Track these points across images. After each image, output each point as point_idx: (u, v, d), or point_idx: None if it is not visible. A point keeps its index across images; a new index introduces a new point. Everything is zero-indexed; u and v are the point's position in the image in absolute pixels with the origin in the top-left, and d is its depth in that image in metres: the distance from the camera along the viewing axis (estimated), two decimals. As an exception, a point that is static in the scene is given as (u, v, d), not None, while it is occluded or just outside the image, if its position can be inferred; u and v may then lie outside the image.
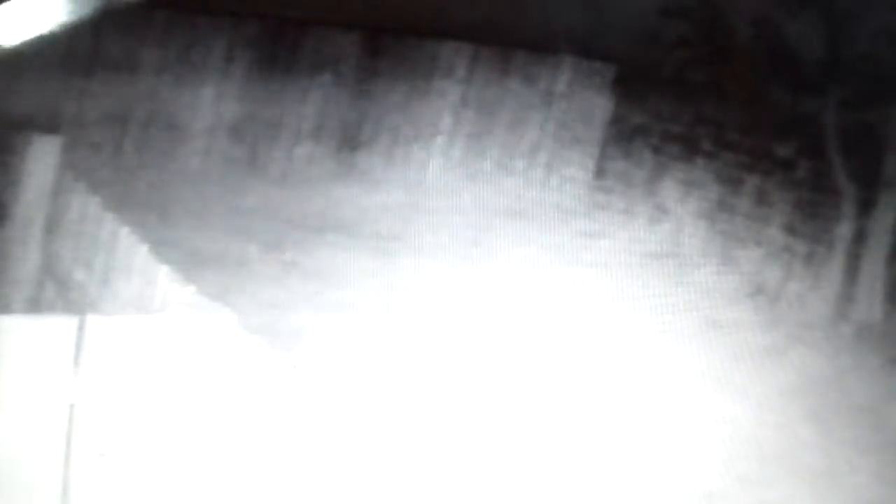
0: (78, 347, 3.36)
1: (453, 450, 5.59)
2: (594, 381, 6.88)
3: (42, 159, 5.32)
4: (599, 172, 10.46)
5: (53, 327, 3.38)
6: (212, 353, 3.47)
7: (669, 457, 6.12)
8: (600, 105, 10.47)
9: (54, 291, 4.93)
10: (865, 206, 8.39)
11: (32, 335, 3.36)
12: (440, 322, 7.29)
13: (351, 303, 7.30)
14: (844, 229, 8.51)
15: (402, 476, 3.13)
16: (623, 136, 10.32)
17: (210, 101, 9.11)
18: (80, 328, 3.36)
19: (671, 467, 6.00)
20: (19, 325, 3.41)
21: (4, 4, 4.48)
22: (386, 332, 6.99)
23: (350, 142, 9.65)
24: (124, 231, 4.37)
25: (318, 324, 6.81)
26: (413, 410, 6.00)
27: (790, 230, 8.99)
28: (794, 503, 5.90)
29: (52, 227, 5.09)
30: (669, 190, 9.73)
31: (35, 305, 5.05)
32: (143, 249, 4.14)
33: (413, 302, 7.52)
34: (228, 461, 3.43)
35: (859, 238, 8.44)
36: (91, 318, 3.37)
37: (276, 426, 3.41)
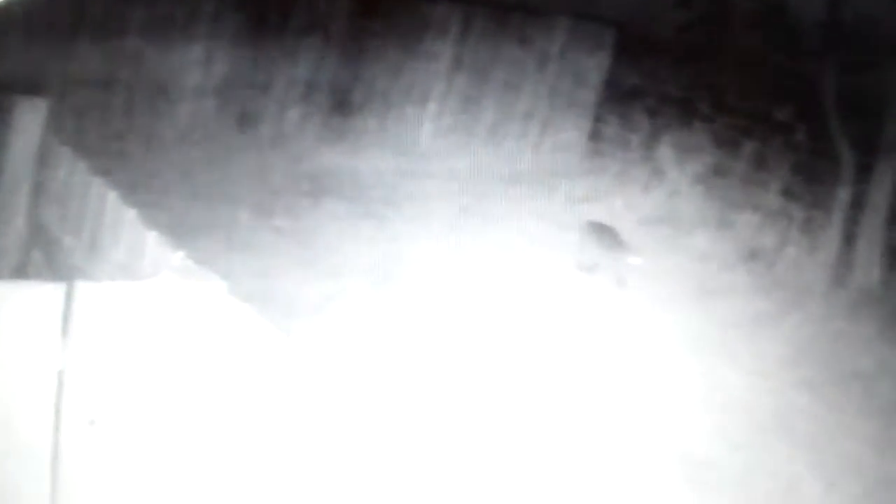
0: (66, 314, 3.30)
1: (445, 415, 5.57)
2: (587, 346, 6.86)
3: (27, 123, 5.25)
4: (594, 136, 10.39)
5: (41, 294, 3.31)
6: (202, 320, 3.41)
7: (663, 423, 6.10)
8: (596, 67, 10.38)
9: (42, 258, 4.86)
10: (864, 171, 8.34)
11: (20, 302, 3.29)
12: (433, 288, 7.25)
13: (343, 268, 7.25)
14: (843, 194, 8.46)
15: (392, 441, 3.09)
16: (618, 99, 10.24)
17: (198, 64, 8.99)
18: (69, 294, 3.29)
19: (665, 434, 5.99)
20: (6, 292, 3.34)
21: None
22: (378, 298, 6.94)
23: (341, 105, 9.55)
24: (112, 196, 4.29)
25: (309, 290, 6.76)
26: (405, 375, 5.97)
27: (788, 195, 8.95)
28: (786, 469, 5.89)
29: (38, 192, 5.02)
30: (665, 154, 9.67)
31: (22, 272, 4.98)
32: (131, 215, 4.07)
33: (406, 267, 7.47)
34: (218, 427, 3.38)
35: (857, 203, 8.40)
36: (79, 285, 3.29)
37: (267, 392, 3.37)
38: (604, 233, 7.87)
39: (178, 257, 3.83)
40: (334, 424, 3.17)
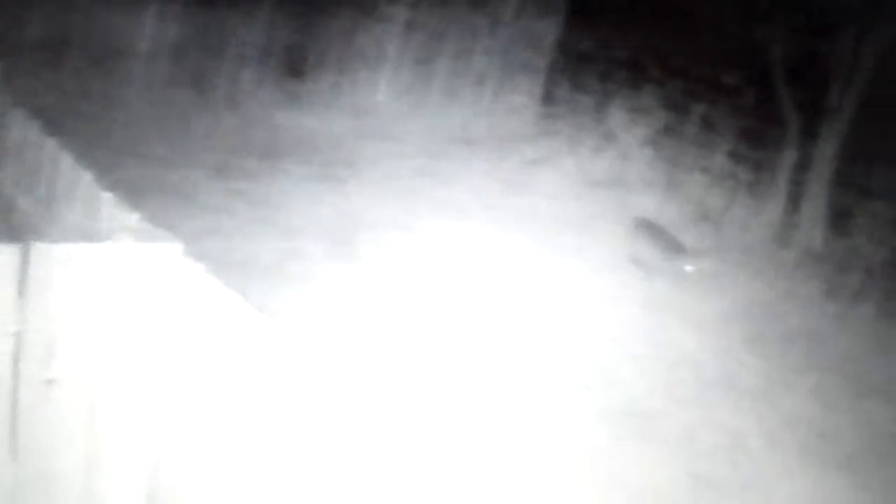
0: (22, 274, 3.30)
1: (399, 374, 5.63)
2: (538, 304, 6.95)
3: (-20, 84, 5.19)
4: (547, 99, 10.46)
5: (-3, 255, 3.31)
6: (158, 280, 3.44)
7: (612, 378, 6.21)
8: (548, 31, 10.42)
9: (-4, 218, 4.85)
10: (809, 135, 8.48)
11: (-25, 263, 3.30)
12: (388, 247, 7.30)
13: (298, 229, 7.27)
14: (788, 157, 8.60)
15: (345, 396, 3.16)
16: (570, 63, 10.29)
17: (151, 26, 8.91)
18: (24, 255, 3.30)
19: (613, 388, 6.09)
20: (-39, 254, 3.34)
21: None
22: (334, 259, 6.98)
23: (295, 67, 9.52)
24: (66, 157, 4.29)
25: (265, 251, 6.78)
26: (361, 334, 6.02)
27: (735, 157, 9.09)
28: (732, 424, 6.02)
29: (-8, 153, 4.99)
30: (616, 117, 9.76)
31: (-23, 233, 4.96)
32: (87, 176, 4.07)
33: (361, 228, 7.50)
34: (176, 384, 3.43)
35: (802, 166, 8.54)
36: (35, 246, 3.31)
37: (224, 351, 3.42)
38: (659, 235, 7.84)
39: (133, 219, 3.83)
40: (291, 383, 3.24)
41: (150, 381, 3.49)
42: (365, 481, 3.06)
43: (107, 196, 3.90)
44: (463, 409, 5.53)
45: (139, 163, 7.53)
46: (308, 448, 3.19)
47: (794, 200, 8.56)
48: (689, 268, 7.37)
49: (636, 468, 5.40)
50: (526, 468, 5.13)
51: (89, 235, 3.89)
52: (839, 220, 8.37)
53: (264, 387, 3.30)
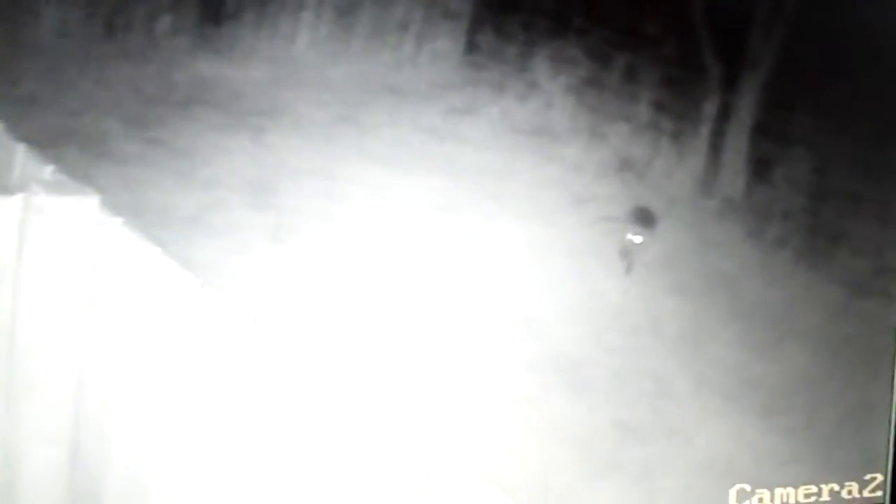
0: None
1: (322, 323, 5.61)
2: (463, 254, 6.95)
3: None
4: (470, 47, 10.38)
5: None
6: (75, 234, 3.35)
7: (539, 327, 6.25)
8: (471, -22, 10.33)
9: None
10: (730, 84, 8.56)
11: None
12: (311, 199, 7.23)
13: (218, 179, 7.16)
14: (709, 106, 8.68)
15: (268, 347, 3.12)
16: (494, 11, 10.23)
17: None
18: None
19: (541, 337, 6.15)
20: None
21: None
22: (256, 209, 6.90)
23: (213, 14, 9.30)
24: (-24, 107, 4.12)
25: (184, 201, 6.67)
26: (285, 287, 5.97)
27: (658, 106, 9.15)
28: (659, 369, 6.13)
29: None
30: (540, 66, 9.74)
31: None
32: (-1, 127, 3.93)
33: (282, 178, 7.42)
34: (95, 340, 3.36)
35: (724, 115, 8.63)
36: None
37: (142, 304, 3.34)
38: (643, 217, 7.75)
39: (48, 171, 3.72)
40: (213, 334, 3.18)
41: (68, 336, 3.42)
42: (282, 428, 3.03)
43: (19, 147, 3.78)
44: (390, 360, 5.52)
45: (52, 113, 7.32)
46: (226, 401, 3.15)
47: (716, 149, 8.66)
48: (634, 237, 7.29)
49: (564, 417, 5.47)
50: (453, 418, 5.15)
51: (2, 188, 3.77)
52: (759, 167, 8.50)
53: (186, 340, 3.25)
